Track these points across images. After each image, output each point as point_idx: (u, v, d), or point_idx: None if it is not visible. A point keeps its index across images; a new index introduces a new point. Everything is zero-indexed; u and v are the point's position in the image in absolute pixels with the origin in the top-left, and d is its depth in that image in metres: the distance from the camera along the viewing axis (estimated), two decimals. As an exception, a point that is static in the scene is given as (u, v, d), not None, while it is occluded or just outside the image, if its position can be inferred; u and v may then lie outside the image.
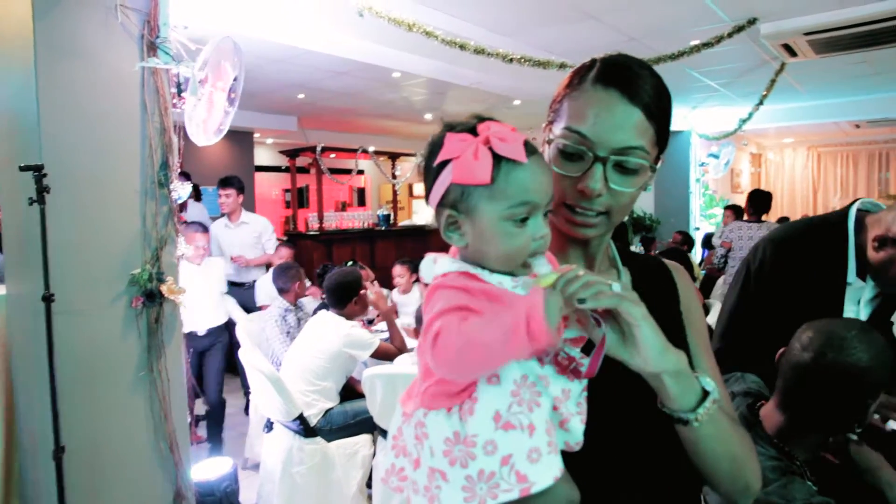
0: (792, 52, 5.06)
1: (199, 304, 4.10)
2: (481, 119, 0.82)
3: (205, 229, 4.39)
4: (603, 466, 0.87)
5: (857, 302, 1.66)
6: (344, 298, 3.41)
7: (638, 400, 0.85)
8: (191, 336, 4.15)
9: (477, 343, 0.71)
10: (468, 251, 0.83)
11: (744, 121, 7.34)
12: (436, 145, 0.82)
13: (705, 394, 0.82)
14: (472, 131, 0.80)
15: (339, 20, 3.82)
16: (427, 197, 0.85)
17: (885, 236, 1.55)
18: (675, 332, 0.96)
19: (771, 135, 11.47)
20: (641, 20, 4.61)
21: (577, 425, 0.80)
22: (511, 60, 3.81)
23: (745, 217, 6.35)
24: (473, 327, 0.72)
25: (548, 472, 0.75)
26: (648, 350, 0.77)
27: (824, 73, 6.70)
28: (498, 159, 0.77)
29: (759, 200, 6.12)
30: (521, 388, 0.77)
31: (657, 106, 0.89)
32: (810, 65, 5.83)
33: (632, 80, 0.89)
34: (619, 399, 0.87)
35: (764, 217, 6.17)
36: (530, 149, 0.80)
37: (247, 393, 4.80)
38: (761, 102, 6.51)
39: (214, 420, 4.28)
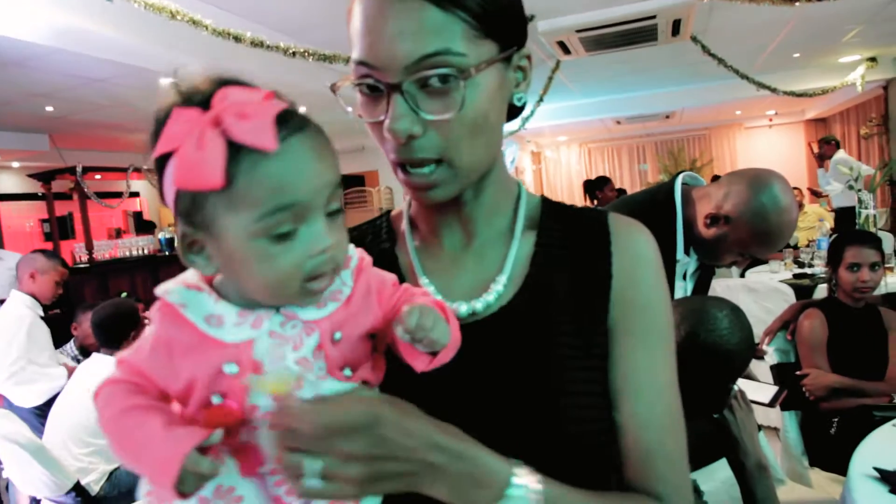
0: (566, 50, 5.39)
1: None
2: (222, 83, 0.56)
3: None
4: None
5: (683, 276, 1.67)
6: (117, 335, 2.85)
7: None
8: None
9: (120, 449, 0.57)
10: (221, 282, 0.60)
11: (526, 119, 7.76)
12: (158, 127, 0.55)
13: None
14: (206, 104, 0.54)
15: (88, 9, 3.20)
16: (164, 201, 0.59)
17: (717, 214, 1.56)
18: (583, 327, 0.71)
19: (546, 133, 12.39)
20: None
21: None
22: (294, 54, 3.49)
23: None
24: (115, 423, 0.57)
25: None
26: None
27: (592, 71, 7.32)
28: (236, 149, 0.52)
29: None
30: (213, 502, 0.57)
31: None
32: (581, 63, 6.29)
33: None
34: None
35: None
36: (291, 124, 0.55)
37: None
38: (541, 100, 6.90)
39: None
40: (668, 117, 11.13)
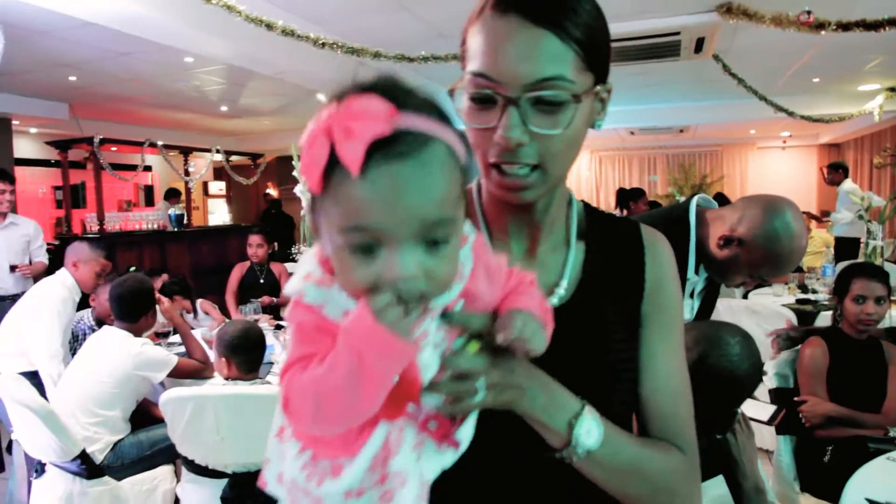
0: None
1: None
2: (362, 88, 0.57)
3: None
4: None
5: (691, 295, 1.71)
6: (137, 311, 2.90)
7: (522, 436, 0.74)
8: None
9: (325, 398, 0.57)
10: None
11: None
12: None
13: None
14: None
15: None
16: None
17: (730, 236, 1.61)
18: (625, 323, 0.85)
19: (560, 139, 12.41)
20: (451, 14, 4.59)
21: None
22: (324, 45, 3.53)
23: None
24: (316, 379, 0.58)
25: None
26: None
27: (610, 81, 7.32)
28: (335, 161, 0.54)
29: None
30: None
31: (573, 22, 0.72)
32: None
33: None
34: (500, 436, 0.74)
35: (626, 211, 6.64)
36: (390, 151, 0.54)
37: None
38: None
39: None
40: (681, 131, 11.15)
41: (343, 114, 0.54)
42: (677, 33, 4.49)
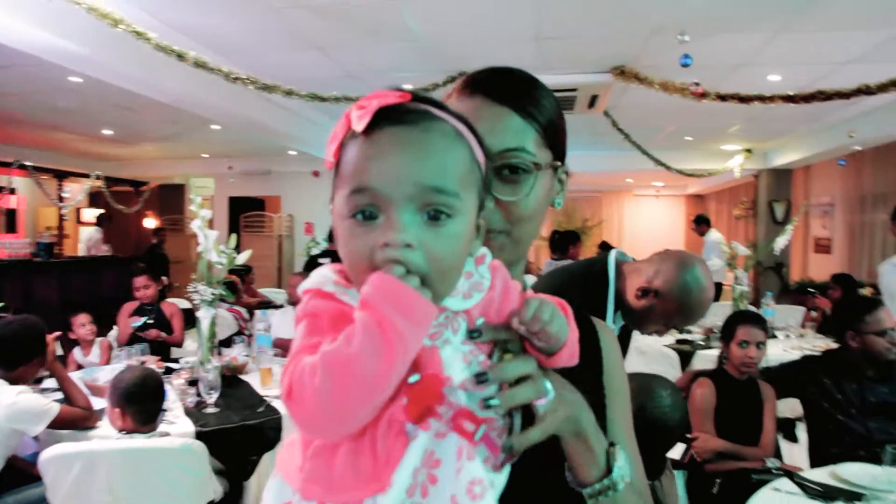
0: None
1: None
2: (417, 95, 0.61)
3: None
4: None
5: None
6: (20, 357, 2.61)
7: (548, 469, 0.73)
8: None
9: (338, 371, 0.51)
10: None
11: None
12: None
13: (609, 470, 0.70)
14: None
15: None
16: None
17: (647, 288, 1.73)
18: (593, 405, 0.80)
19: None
20: (362, 58, 4.66)
21: None
22: (235, 79, 3.44)
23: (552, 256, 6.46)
24: (327, 353, 0.52)
25: None
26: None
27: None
28: (350, 134, 0.59)
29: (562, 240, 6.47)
30: (419, 473, 0.56)
31: (534, 106, 0.78)
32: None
33: (496, 82, 0.80)
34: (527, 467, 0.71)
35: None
36: (394, 115, 0.57)
37: None
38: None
39: None
40: (567, 177, 11.78)
41: (363, 100, 0.58)
42: (575, 90, 4.82)
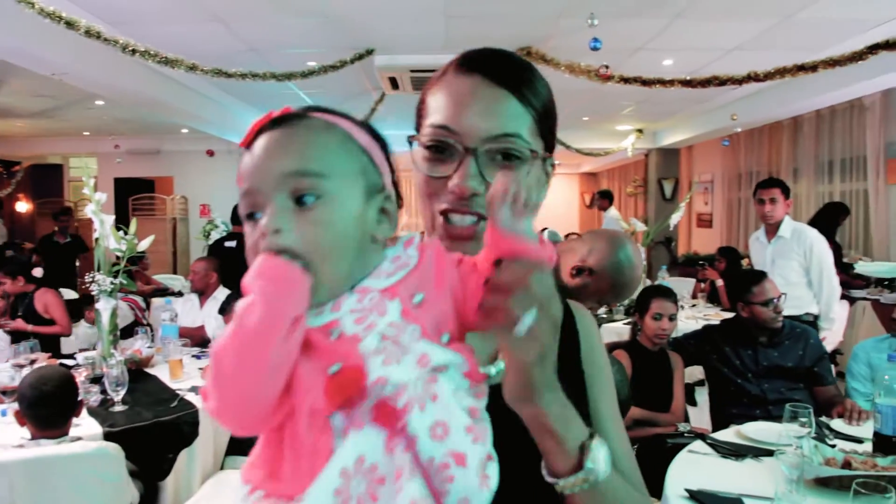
0: (395, 85, 5.58)
1: None
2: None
3: None
4: None
5: None
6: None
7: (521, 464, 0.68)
8: None
9: (220, 357, 0.54)
10: None
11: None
12: None
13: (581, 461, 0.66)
14: None
15: None
16: None
17: (581, 266, 1.78)
18: (571, 384, 0.77)
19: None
20: (265, 33, 4.45)
21: None
22: (134, 52, 3.15)
23: None
24: (213, 348, 0.55)
25: None
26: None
27: (405, 107, 7.60)
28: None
29: None
30: (352, 478, 0.53)
31: (531, 91, 0.77)
32: (400, 98, 6.54)
33: (496, 62, 0.78)
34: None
35: None
36: (269, 125, 0.62)
37: None
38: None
39: None
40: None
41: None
42: (481, 70, 4.82)
